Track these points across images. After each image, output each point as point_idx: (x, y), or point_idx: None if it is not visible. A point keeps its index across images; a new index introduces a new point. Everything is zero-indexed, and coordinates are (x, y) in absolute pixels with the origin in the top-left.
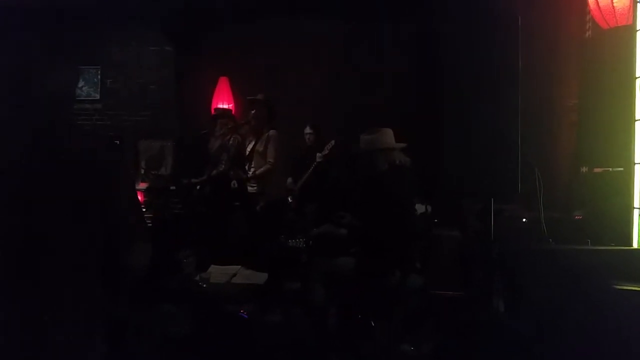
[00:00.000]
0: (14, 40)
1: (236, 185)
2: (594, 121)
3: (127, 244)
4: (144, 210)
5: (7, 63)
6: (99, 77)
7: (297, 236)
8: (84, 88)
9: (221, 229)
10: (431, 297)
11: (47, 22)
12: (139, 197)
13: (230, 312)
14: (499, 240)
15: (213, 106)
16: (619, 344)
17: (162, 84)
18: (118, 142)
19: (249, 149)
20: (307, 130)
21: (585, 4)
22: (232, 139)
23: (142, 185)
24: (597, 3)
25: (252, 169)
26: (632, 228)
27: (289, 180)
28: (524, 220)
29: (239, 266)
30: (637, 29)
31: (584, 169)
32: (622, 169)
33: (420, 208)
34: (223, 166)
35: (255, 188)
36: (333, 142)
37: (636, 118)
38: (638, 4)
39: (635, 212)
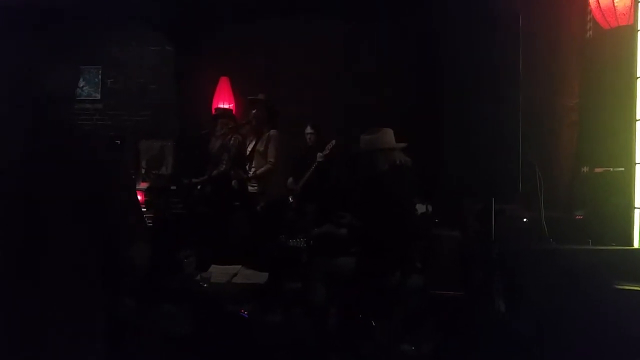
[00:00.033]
0: (14, 40)
1: (237, 185)
2: (595, 121)
3: (127, 243)
4: (144, 210)
5: (7, 63)
6: (100, 77)
7: (297, 236)
8: (84, 88)
9: (222, 229)
10: (431, 297)
11: (47, 22)
12: (140, 197)
13: (230, 311)
14: (500, 240)
15: (214, 106)
16: (620, 343)
17: (162, 84)
18: (119, 142)
19: (249, 149)
20: (308, 130)
21: (587, 3)
22: (232, 138)
23: (143, 185)
24: (598, 3)
25: (253, 169)
26: (633, 228)
27: (290, 180)
28: (525, 220)
29: (240, 266)
30: (638, 29)
31: (585, 169)
32: (623, 168)
33: (420, 208)
34: (224, 166)
35: (255, 188)
36: (334, 142)
37: (637, 118)
38: (639, 3)
39: (636, 212)
